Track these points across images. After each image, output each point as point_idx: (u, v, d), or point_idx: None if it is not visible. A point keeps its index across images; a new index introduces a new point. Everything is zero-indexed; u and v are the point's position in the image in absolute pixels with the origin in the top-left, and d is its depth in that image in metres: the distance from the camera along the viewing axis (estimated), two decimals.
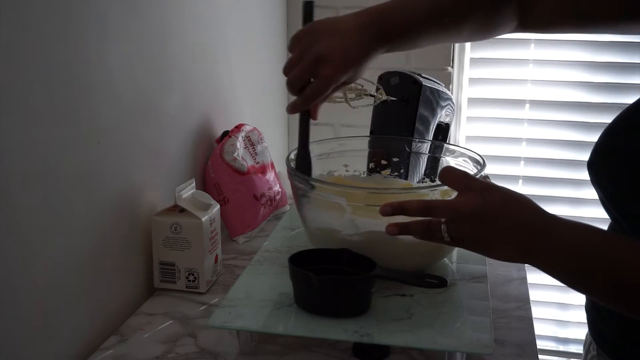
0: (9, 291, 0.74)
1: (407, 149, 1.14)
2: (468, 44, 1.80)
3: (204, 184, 1.23)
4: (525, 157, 1.90)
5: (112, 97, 0.91)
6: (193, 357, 0.86)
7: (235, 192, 1.20)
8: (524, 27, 0.87)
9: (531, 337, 0.91)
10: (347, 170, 1.14)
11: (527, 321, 0.94)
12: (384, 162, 1.15)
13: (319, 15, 0.88)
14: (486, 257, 0.96)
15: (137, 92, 0.98)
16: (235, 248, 1.19)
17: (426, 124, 1.18)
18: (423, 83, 1.15)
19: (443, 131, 1.26)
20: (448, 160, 1.10)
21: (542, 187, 1.90)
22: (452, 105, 1.25)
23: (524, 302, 1.00)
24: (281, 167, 1.30)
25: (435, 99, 1.19)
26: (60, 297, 0.83)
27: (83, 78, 0.84)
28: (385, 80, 1.16)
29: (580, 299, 0.84)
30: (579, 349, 0.93)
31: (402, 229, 0.75)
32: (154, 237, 1.01)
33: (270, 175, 1.30)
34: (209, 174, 1.21)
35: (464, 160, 1.07)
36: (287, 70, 0.84)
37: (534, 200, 0.70)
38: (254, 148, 1.28)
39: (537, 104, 1.85)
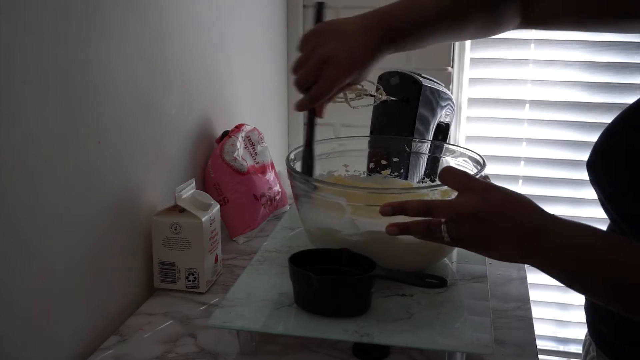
0: (8, 291, 0.74)
1: (407, 149, 1.14)
2: (468, 44, 1.80)
3: (204, 184, 1.23)
4: (525, 157, 1.90)
5: (112, 97, 0.91)
6: (193, 357, 0.86)
7: (235, 192, 1.20)
8: (527, 24, 0.89)
9: (531, 337, 0.91)
10: (347, 170, 1.14)
11: (527, 321, 0.94)
12: (384, 162, 1.15)
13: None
14: (486, 257, 0.96)
15: (137, 92, 0.98)
16: (235, 248, 1.19)
17: (426, 124, 1.18)
18: (423, 83, 1.15)
19: (443, 131, 1.26)
20: (448, 160, 1.10)
21: (542, 187, 1.90)
22: (452, 105, 1.25)
23: (524, 302, 1.00)
24: (281, 167, 1.30)
25: (435, 99, 1.19)
26: (60, 297, 0.83)
27: (83, 78, 0.84)
28: (385, 80, 1.16)
29: (580, 299, 0.84)
30: (578, 349, 0.93)
31: (402, 229, 0.75)
32: (154, 237, 1.01)
33: (270, 175, 1.30)
34: (209, 174, 1.21)
35: (464, 160, 1.07)
36: (295, 70, 0.87)
37: (533, 201, 0.70)
38: (254, 148, 1.28)
39: (537, 104, 1.85)
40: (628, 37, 1.72)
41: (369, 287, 0.85)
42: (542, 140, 1.87)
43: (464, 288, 0.94)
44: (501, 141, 1.89)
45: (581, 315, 0.88)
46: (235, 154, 1.19)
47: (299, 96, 0.88)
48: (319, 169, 1.07)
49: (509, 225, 0.69)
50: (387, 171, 1.15)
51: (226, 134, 1.23)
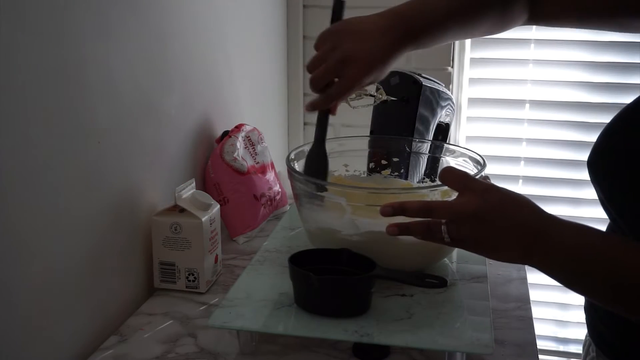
0: (8, 291, 0.74)
1: (407, 149, 1.14)
2: (468, 44, 1.80)
3: (204, 184, 1.23)
4: (525, 157, 1.90)
5: (112, 97, 0.91)
6: (193, 357, 0.86)
7: (235, 192, 1.20)
8: (534, 20, 0.91)
9: (531, 337, 0.91)
10: (347, 170, 1.14)
11: (527, 321, 0.94)
12: (384, 162, 1.15)
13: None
14: (486, 257, 0.96)
15: (137, 92, 0.98)
16: (235, 248, 1.19)
17: (426, 124, 1.18)
18: (423, 83, 1.15)
19: (443, 131, 1.26)
20: (448, 160, 1.10)
21: (542, 187, 1.90)
22: (452, 105, 1.25)
23: (524, 302, 1.00)
24: (281, 167, 1.30)
25: (435, 99, 1.19)
26: (60, 297, 0.83)
27: (83, 78, 0.84)
28: (385, 80, 1.15)
29: (580, 299, 0.84)
30: (578, 349, 0.93)
31: (403, 229, 0.75)
32: (154, 237, 1.01)
33: (270, 175, 1.30)
34: (209, 174, 1.21)
35: (464, 160, 1.07)
36: (311, 68, 0.86)
37: (533, 201, 0.70)
38: (254, 148, 1.28)
39: (537, 104, 1.85)
40: (628, 37, 1.72)
41: (369, 287, 0.85)
42: (542, 140, 1.87)
43: (464, 288, 0.94)
44: (501, 141, 1.89)
45: (581, 316, 0.88)
46: (235, 154, 1.19)
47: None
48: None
49: (509, 226, 0.69)
50: (387, 171, 1.15)
51: (226, 134, 1.23)
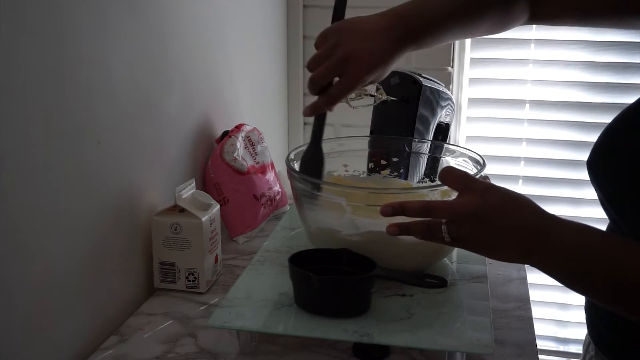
0: (8, 291, 0.74)
1: (407, 149, 1.14)
2: (468, 44, 1.80)
3: (204, 184, 1.23)
4: (525, 157, 1.90)
5: (111, 97, 0.91)
6: (193, 357, 0.86)
7: (235, 192, 1.20)
8: (535, 20, 0.91)
9: (531, 337, 0.91)
10: (346, 170, 1.14)
11: (527, 321, 0.94)
12: (383, 162, 1.15)
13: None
14: (486, 257, 0.96)
15: (137, 92, 0.98)
16: (235, 248, 1.19)
17: (426, 124, 1.18)
18: (423, 83, 1.15)
19: (443, 131, 1.26)
20: (448, 160, 1.10)
21: (542, 187, 1.90)
22: (452, 105, 1.25)
23: (524, 302, 1.00)
24: (281, 167, 1.30)
25: (435, 99, 1.19)
26: (60, 297, 0.83)
27: (83, 78, 0.84)
28: (385, 80, 1.15)
29: (580, 299, 0.84)
30: (578, 349, 0.93)
31: (403, 229, 0.75)
32: (154, 237, 1.01)
33: (270, 175, 1.30)
34: (209, 174, 1.21)
35: (464, 160, 1.07)
36: (311, 66, 0.84)
37: (533, 201, 0.70)
38: (254, 148, 1.28)
39: (537, 104, 1.85)
40: (628, 37, 1.72)
41: (369, 287, 0.85)
42: (542, 140, 1.87)
43: (464, 288, 0.94)
44: (501, 141, 1.89)
45: (581, 315, 0.88)
46: (235, 154, 1.19)
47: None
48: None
49: (509, 226, 0.69)
50: (387, 171, 1.15)
51: (226, 134, 1.23)
